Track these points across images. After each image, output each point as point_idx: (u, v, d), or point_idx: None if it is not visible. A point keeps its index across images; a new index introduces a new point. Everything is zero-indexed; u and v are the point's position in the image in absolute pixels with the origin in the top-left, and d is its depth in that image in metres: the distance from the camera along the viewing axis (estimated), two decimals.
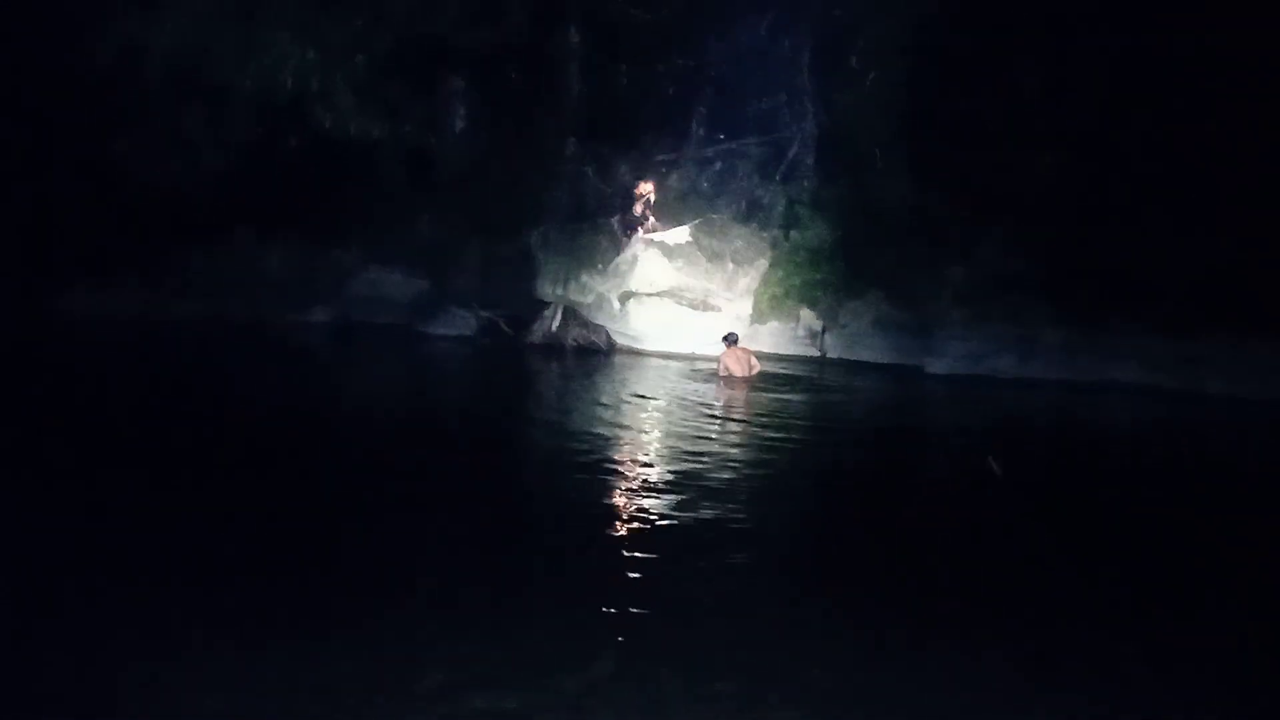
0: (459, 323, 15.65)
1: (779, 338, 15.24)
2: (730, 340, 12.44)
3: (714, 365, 12.45)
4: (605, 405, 10.84)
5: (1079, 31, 13.80)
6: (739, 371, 12.14)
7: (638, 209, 14.94)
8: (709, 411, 10.60)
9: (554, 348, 14.90)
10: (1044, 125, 13.91)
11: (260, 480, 6.82)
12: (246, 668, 4.02)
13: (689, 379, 12.72)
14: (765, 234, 15.17)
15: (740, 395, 11.60)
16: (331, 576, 5.05)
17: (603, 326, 15.12)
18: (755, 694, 4.09)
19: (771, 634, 4.70)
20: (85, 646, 4.18)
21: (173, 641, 4.22)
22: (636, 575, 5.41)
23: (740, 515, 6.62)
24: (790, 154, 15.18)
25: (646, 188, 14.92)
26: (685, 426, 9.74)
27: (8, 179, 15.48)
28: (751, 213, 15.24)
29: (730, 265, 14.90)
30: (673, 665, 4.29)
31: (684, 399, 11.27)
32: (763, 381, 12.39)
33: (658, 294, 14.86)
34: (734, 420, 10.36)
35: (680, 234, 15.00)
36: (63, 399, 9.52)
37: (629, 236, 14.99)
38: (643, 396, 11.39)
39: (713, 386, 12.01)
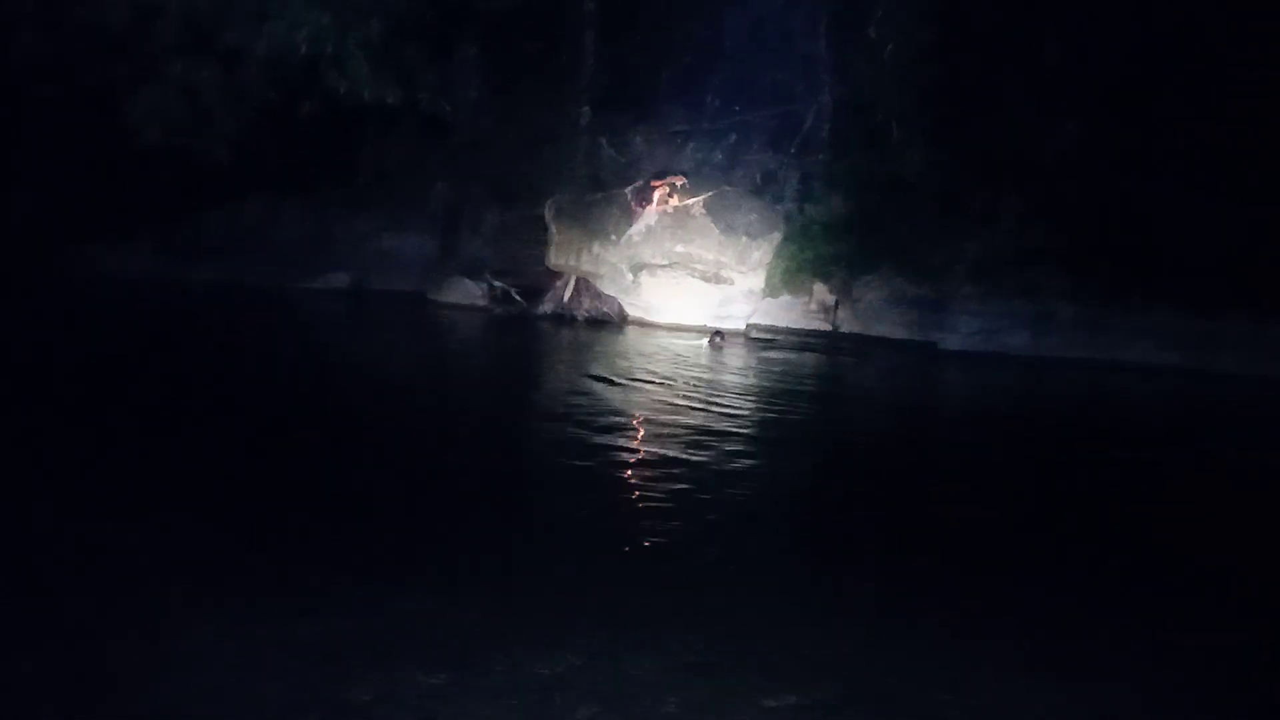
0: (471, 292, 15.65)
1: (791, 312, 15.08)
2: (718, 335, 13.61)
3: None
4: (614, 379, 10.81)
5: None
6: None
7: (656, 185, 14.83)
8: (714, 389, 10.57)
9: (565, 318, 14.94)
10: (1064, 97, 13.69)
11: (259, 462, 6.67)
12: (245, 664, 3.95)
13: (693, 352, 12.75)
14: (779, 207, 15.02)
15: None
16: (332, 566, 4.94)
17: (614, 298, 15.09)
18: (752, 690, 4.04)
19: (772, 631, 4.64)
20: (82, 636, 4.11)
21: (171, 635, 4.14)
22: (640, 551, 5.41)
23: (739, 498, 6.60)
24: (805, 126, 14.99)
25: (678, 180, 14.76)
26: (689, 401, 9.73)
27: (23, 137, 15.50)
28: (765, 185, 15.09)
29: (743, 238, 14.78)
30: (669, 652, 4.29)
31: (688, 375, 11.26)
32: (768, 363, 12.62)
33: (669, 266, 14.79)
34: (740, 399, 10.32)
35: (694, 206, 14.88)
36: (62, 362, 9.50)
37: (642, 208, 14.88)
38: (645, 381, 11.34)
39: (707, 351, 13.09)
